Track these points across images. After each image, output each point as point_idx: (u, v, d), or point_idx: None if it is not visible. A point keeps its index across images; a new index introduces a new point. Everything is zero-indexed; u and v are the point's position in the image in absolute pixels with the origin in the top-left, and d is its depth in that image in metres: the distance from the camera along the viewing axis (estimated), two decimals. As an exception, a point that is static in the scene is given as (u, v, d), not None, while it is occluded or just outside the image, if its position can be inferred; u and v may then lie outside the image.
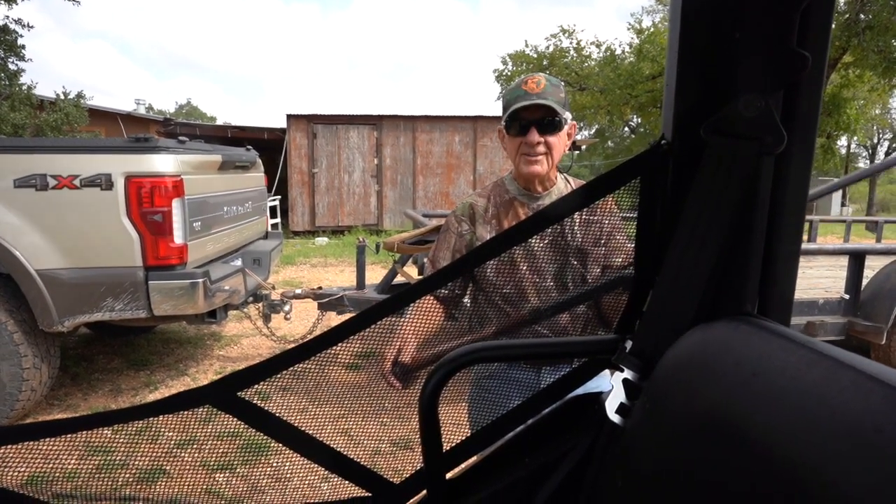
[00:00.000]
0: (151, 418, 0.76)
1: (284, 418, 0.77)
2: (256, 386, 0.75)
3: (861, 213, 23.67)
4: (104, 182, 3.21)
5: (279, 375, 0.75)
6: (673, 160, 0.72)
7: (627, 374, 0.74)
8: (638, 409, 0.71)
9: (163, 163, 3.32)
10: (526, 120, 1.34)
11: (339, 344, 0.75)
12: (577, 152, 19.36)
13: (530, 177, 1.41)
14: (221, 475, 2.82)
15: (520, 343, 0.98)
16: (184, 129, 13.45)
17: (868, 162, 30.82)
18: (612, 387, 0.76)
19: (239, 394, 0.74)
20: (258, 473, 2.80)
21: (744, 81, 0.65)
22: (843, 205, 21.12)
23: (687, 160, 0.70)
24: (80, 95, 13.54)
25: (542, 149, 1.36)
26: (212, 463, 2.68)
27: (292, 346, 0.77)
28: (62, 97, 13.27)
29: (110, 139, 3.86)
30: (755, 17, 0.63)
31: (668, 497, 0.59)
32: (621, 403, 0.73)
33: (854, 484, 0.41)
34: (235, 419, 0.76)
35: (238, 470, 2.83)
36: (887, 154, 30.73)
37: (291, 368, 0.75)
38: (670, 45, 0.70)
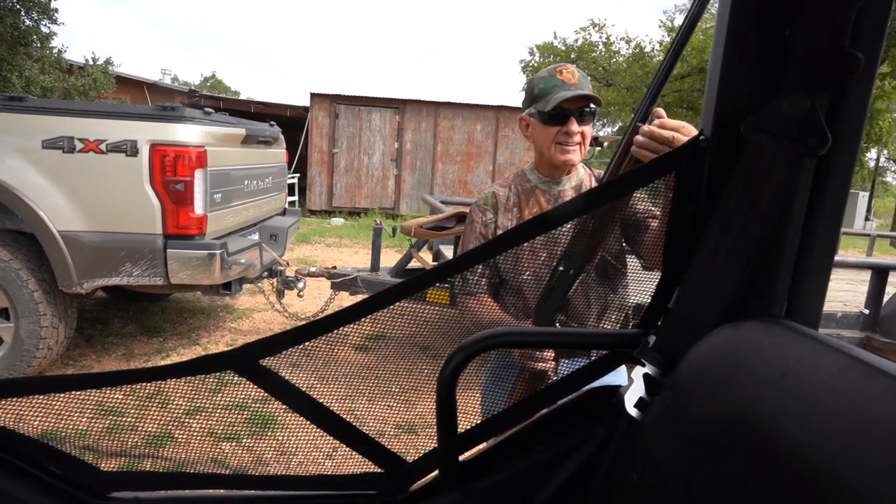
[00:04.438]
0: (163, 384, 0.77)
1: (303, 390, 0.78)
2: (270, 358, 0.76)
3: (885, 228, 23.17)
4: (129, 148, 3.24)
5: (301, 347, 0.75)
6: (710, 156, 0.70)
7: (648, 368, 0.73)
8: (658, 404, 0.70)
9: (188, 133, 3.34)
10: (566, 110, 1.37)
11: (363, 319, 0.75)
12: (598, 149, 19.15)
13: (564, 165, 1.43)
14: (227, 445, 2.86)
15: (542, 331, 0.97)
16: (208, 101, 13.52)
17: (896, 177, 30.01)
18: (631, 380, 0.75)
19: (260, 362, 0.75)
20: (263, 446, 2.84)
21: (790, 79, 0.63)
22: (867, 219, 20.69)
23: (725, 157, 0.69)
24: (108, 62, 13.67)
25: (578, 139, 1.39)
26: (219, 432, 2.72)
27: (304, 322, 0.77)
28: (91, 62, 13.41)
29: (138, 106, 3.89)
30: (809, 14, 0.61)
31: (686, 493, 0.59)
32: (641, 398, 0.73)
33: (886, 496, 0.40)
34: (244, 390, 0.77)
35: (244, 441, 2.87)
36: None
37: (313, 341, 0.76)
38: (716, 39, 0.69)
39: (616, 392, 0.81)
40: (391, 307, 0.77)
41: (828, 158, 0.65)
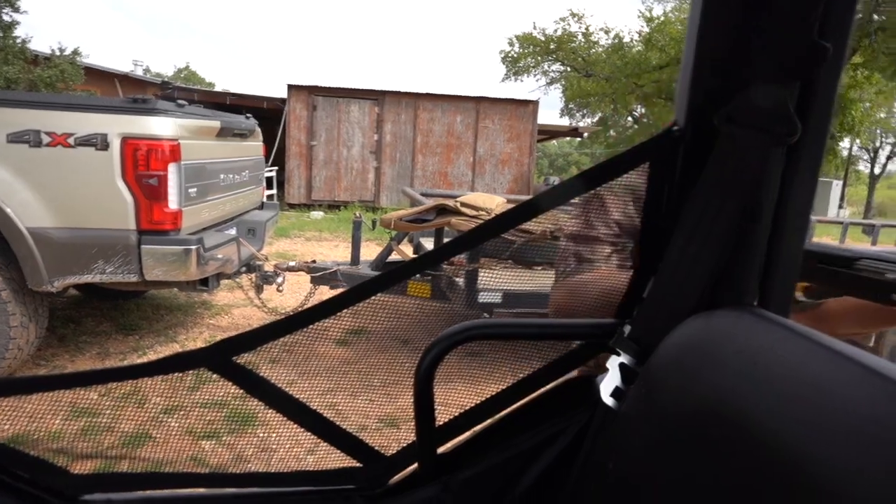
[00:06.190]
0: (140, 383, 0.76)
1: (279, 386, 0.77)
2: (247, 354, 0.75)
3: (858, 216, 23.76)
4: (100, 142, 3.16)
5: (275, 343, 0.74)
6: (684, 147, 0.71)
7: (624, 358, 0.74)
8: (633, 393, 0.71)
9: (160, 126, 3.27)
10: None
11: (341, 313, 0.74)
12: (578, 139, 19.29)
13: None
14: (207, 443, 2.83)
15: (517, 322, 0.97)
16: (182, 93, 13.25)
17: (869, 166, 30.78)
18: (607, 370, 0.76)
19: (234, 358, 0.73)
20: (244, 443, 2.82)
21: (761, 70, 0.64)
22: (840, 206, 21.22)
23: (698, 147, 0.69)
24: (76, 52, 13.32)
25: None
26: (198, 431, 2.69)
27: (279, 317, 0.76)
28: (58, 53, 13.04)
29: (107, 98, 3.80)
30: (778, 5, 0.62)
31: (659, 481, 0.60)
32: (616, 387, 0.73)
33: (854, 478, 0.40)
34: (224, 387, 0.75)
35: (224, 439, 2.85)
36: (889, 158, 30.70)
37: (288, 337, 0.75)
38: (689, 30, 0.69)
39: (593, 382, 0.81)
40: (370, 300, 0.76)
41: (798, 147, 0.66)
